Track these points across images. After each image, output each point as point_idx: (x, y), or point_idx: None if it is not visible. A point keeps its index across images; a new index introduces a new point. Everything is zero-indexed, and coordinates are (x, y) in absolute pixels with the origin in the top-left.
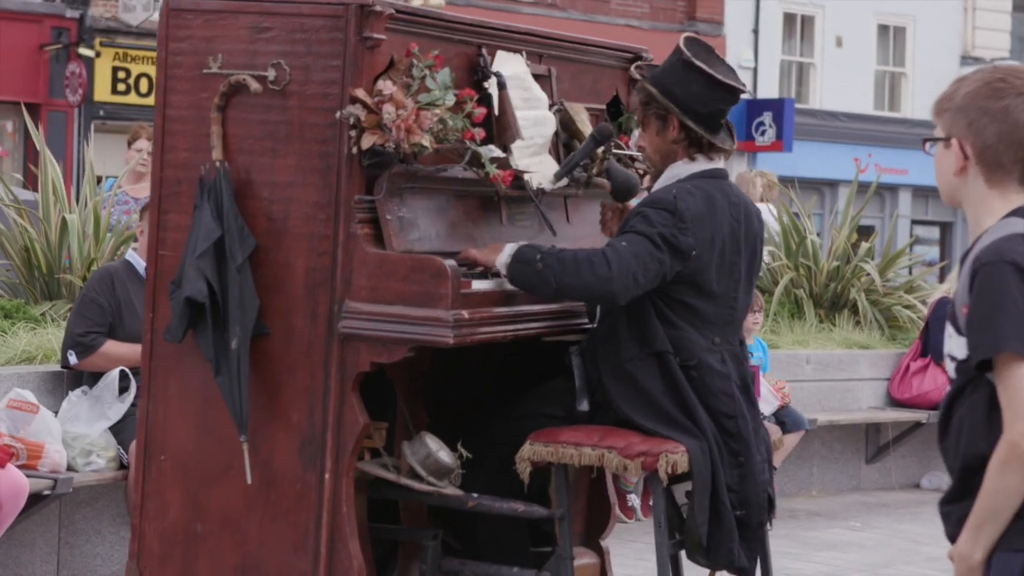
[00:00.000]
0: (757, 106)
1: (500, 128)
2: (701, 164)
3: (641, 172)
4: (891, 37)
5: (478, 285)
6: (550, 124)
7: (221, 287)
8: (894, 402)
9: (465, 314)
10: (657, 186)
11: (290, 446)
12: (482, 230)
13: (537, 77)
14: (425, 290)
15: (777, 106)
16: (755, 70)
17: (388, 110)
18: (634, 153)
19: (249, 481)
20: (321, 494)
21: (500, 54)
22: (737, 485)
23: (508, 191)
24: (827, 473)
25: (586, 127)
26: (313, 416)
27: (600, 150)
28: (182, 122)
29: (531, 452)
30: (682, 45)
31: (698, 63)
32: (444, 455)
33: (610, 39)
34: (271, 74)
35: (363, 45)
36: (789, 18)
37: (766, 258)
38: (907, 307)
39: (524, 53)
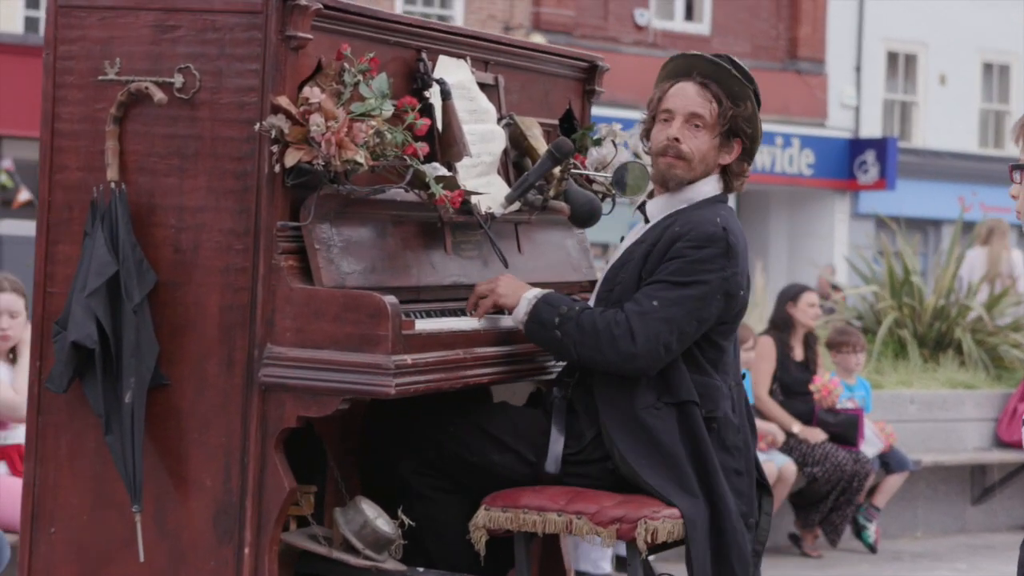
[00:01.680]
0: (860, 145)
1: (445, 144)
2: (714, 186)
3: (602, 195)
4: (995, 75)
5: (424, 325)
6: (499, 140)
7: (114, 330)
8: (1000, 443)
9: (408, 359)
10: (673, 204)
11: (203, 516)
12: (423, 261)
13: (483, 87)
14: (361, 332)
15: (880, 145)
16: (857, 108)
17: (316, 121)
18: (594, 175)
19: (142, 559)
20: (240, 572)
21: (442, 59)
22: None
23: (453, 216)
24: (932, 514)
25: (539, 143)
26: (229, 480)
27: (557, 170)
28: (73, 137)
29: (487, 519)
30: (746, 69)
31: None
32: (383, 523)
33: None
34: (178, 80)
35: (286, 46)
36: (892, 56)
37: (869, 298)
38: (1014, 346)
39: (468, 59)
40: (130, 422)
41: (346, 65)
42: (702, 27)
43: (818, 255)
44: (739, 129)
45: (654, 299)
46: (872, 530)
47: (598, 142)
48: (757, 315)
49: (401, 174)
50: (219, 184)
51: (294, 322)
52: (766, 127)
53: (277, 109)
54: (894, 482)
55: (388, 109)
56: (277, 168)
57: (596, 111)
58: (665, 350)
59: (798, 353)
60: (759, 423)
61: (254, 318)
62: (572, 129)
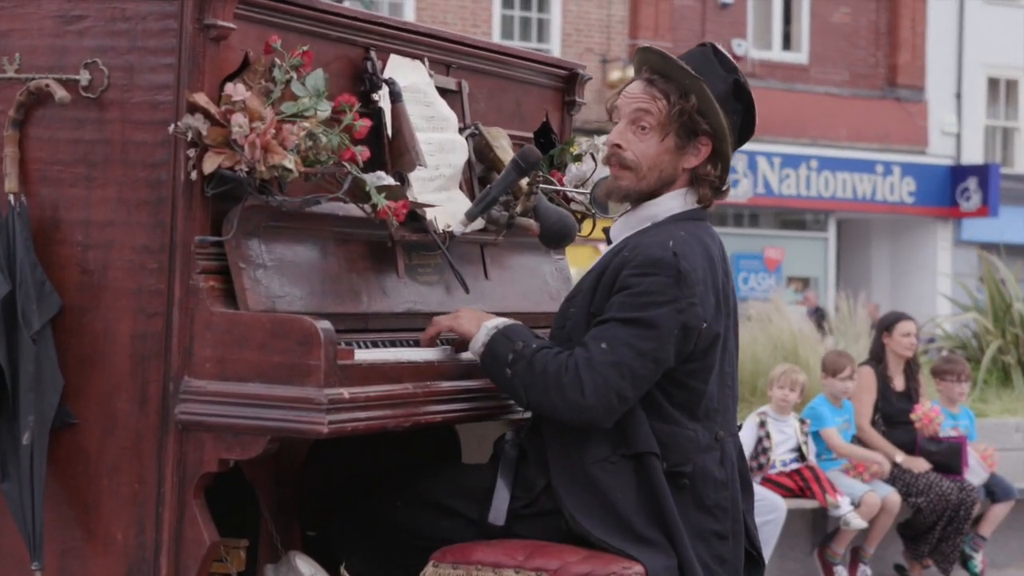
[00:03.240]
0: (961, 172)
1: (395, 152)
2: (685, 200)
3: (580, 215)
4: None
5: (365, 355)
6: (460, 151)
7: (10, 362)
8: None
9: (345, 393)
10: (629, 227)
11: (112, 574)
12: (372, 286)
13: (443, 92)
14: (289, 361)
15: (982, 171)
16: (958, 135)
17: (238, 122)
18: (572, 191)
19: None
20: None
21: (395, 59)
22: None
23: (406, 234)
24: None
25: (507, 156)
26: (143, 534)
27: (525, 182)
28: None
29: None
30: (729, 57)
31: (749, 91)
32: None
33: (810, 108)
34: (84, 78)
35: (204, 36)
36: (992, 82)
37: (971, 326)
38: None
39: (426, 61)
40: (29, 466)
41: (276, 60)
42: (800, 56)
43: (920, 283)
44: (696, 125)
45: (602, 341)
46: (979, 560)
47: (578, 158)
48: (862, 346)
49: (341, 184)
50: (131, 195)
51: (215, 351)
52: (866, 155)
53: (194, 108)
54: (1000, 511)
55: (324, 109)
56: (194, 175)
57: None
58: (618, 399)
59: (898, 383)
60: (862, 451)
61: (169, 347)
62: (550, 144)
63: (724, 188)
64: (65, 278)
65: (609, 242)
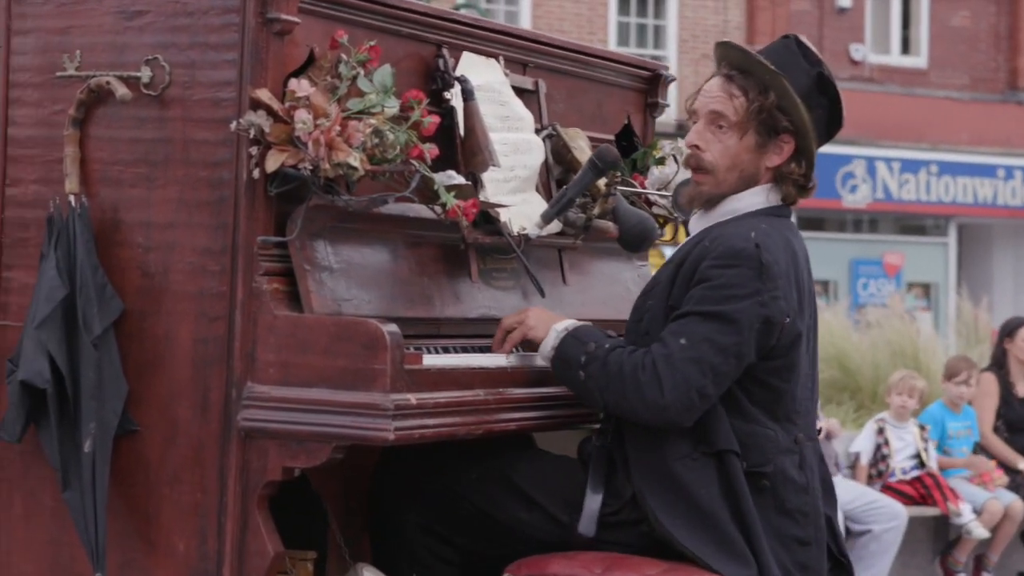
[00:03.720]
0: None
1: (467, 152)
2: (768, 196)
3: (662, 219)
4: None
5: (435, 360)
6: (537, 152)
7: (71, 368)
8: None
9: (412, 399)
10: (710, 219)
11: None
12: (444, 290)
13: (520, 92)
14: (354, 366)
15: None
16: None
17: (302, 118)
18: (654, 194)
19: None
20: None
21: (467, 56)
22: None
23: (479, 237)
24: None
25: (586, 157)
26: (205, 544)
27: (603, 183)
28: (29, 144)
29: None
30: (813, 49)
31: (835, 85)
32: None
33: (929, 113)
34: (145, 74)
35: (267, 30)
36: None
37: None
38: None
39: (502, 59)
40: (91, 475)
41: (342, 55)
42: (919, 60)
43: None
44: (777, 123)
45: (681, 336)
46: None
47: (661, 161)
48: (981, 352)
49: (409, 183)
50: (192, 195)
51: (278, 356)
52: (987, 159)
53: (257, 104)
54: None
55: (392, 106)
56: (256, 174)
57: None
58: (699, 396)
59: (1021, 388)
60: (982, 460)
61: (231, 352)
62: (632, 147)
63: (810, 186)
64: (126, 281)
65: (688, 235)
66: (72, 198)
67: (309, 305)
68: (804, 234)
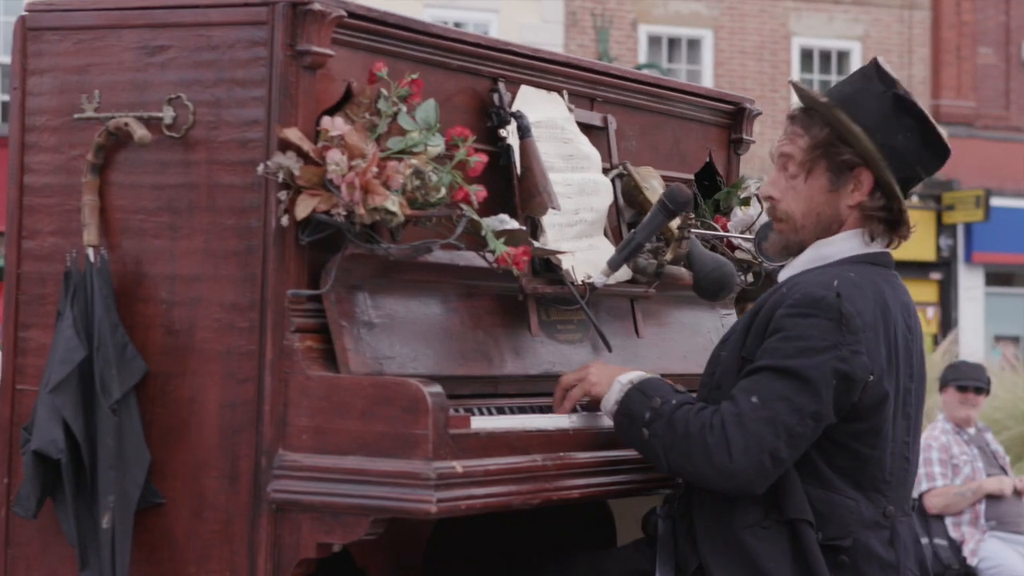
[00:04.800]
0: None
1: (524, 194)
2: (872, 246)
3: (745, 264)
4: None
5: (483, 423)
6: (604, 193)
7: (87, 436)
8: None
9: (457, 467)
10: (797, 267)
11: None
12: (502, 345)
13: (587, 129)
14: (394, 431)
15: None
16: None
17: (335, 159)
18: (736, 237)
19: None
20: None
21: (525, 90)
22: None
23: (539, 286)
24: None
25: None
26: None
27: (675, 225)
28: (46, 193)
29: None
30: (889, 71)
31: (919, 105)
32: None
33: None
34: (167, 115)
35: (298, 65)
36: None
37: None
38: None
39: (566, 94)
40: (110, 554)
41: (383, 90)
42: None
43: None
44: (840, 156)
45: (753, 394)
46: None
47: (746, 201)
48: None
49: (455, 228)
50: (218, 245)
51: (311, 421)
52: None
53: (286, 145)
54: None
55: (436, 144)
56: (285, 220)
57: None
58: (772, 460)
59: None
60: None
61: (261, 417)
62: (715, 187)
63: (903, 222)
64: (149, 340)
65: (761, 284)
66: (91, 251)
67: (346, 364)
68: (993, 289)
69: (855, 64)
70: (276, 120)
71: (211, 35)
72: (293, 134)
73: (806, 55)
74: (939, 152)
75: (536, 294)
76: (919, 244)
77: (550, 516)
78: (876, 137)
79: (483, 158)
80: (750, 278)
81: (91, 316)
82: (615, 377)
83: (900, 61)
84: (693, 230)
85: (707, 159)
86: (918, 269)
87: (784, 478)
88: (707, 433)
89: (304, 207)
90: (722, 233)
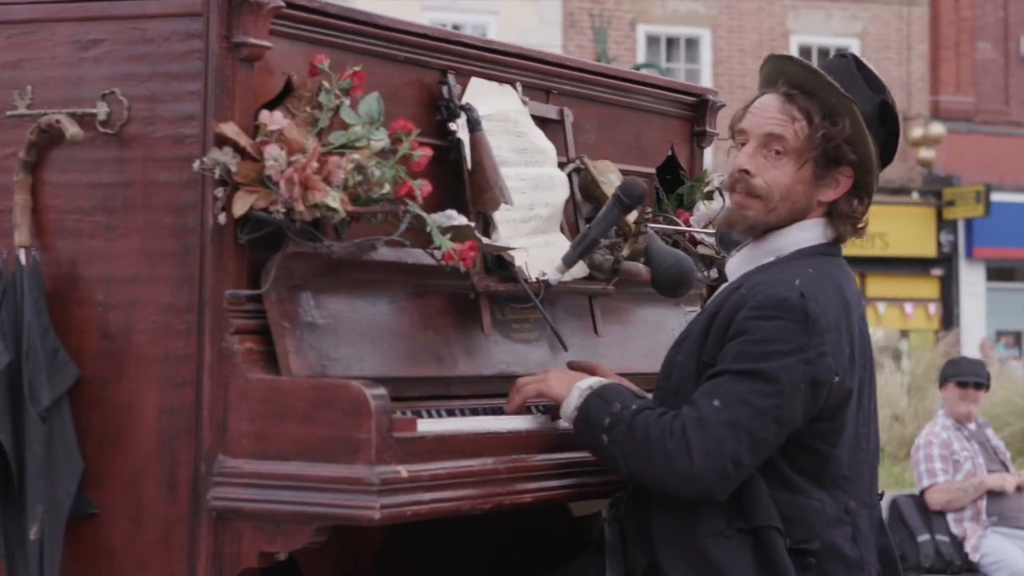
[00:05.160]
0: None
1: (475, 189)
2: (816, 233)
3: (711, 257)
4: None
5: (431, 426)
6: (560, 188)
7: (15, 444)
8: None
9: (402, 471)
10: (748, 261)
11: None
12: (453, 345)
13: (542, 122)
14: (336, 435)
15: None
16: None
17: (273, 154)
18: (699, 232)
19: None
20: None
21: (476, 82)
22: None
23: (491, 284)
24: None
25: None
26: None
27: (632, 220)
28: None
29: None
30: (875, 73)
31: (896, 116)
32: None
33: None
34: (101, 111)
35: (234, 56)
36: None
37: None
38: None
39: (519, 86)
40: (38, 567)
41: (324, 83)
42: None
43: None
44: (840, 155)
45: (715, 397)
46: None
47: (710, 196)
48: None
49: (408, 226)
50: (155, 245)
51: (252, 425)
52: None
53: (222, 140)
54: None
55: (379, 139)
56: (223, 219)
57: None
58: (734, 466)
59: None
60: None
61: (200, 422)
62: (678, 181)
63: (863, 226)
64: (84, 344)
65: (726, 279)
66: (22, 252)
67: (287, 367)
68: (994, 285)
69: None
70: (212, 115)
71: (146, 28)
72: (230, 129)
73: (804, 53)
74: (887, 162)
75: (488, 292)
76: (920, 240)
77: (509, 520)
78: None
79: (427, 152)
80: (714, 273)
81: (20, 320)
82: (574, 383)
83: (899, 57)
84: (653, 225)
85: (669, 152)
86: (919, 265)
87: (750, 484)
88: (667, 438)
89: (242, 204)
90: (684, 228)
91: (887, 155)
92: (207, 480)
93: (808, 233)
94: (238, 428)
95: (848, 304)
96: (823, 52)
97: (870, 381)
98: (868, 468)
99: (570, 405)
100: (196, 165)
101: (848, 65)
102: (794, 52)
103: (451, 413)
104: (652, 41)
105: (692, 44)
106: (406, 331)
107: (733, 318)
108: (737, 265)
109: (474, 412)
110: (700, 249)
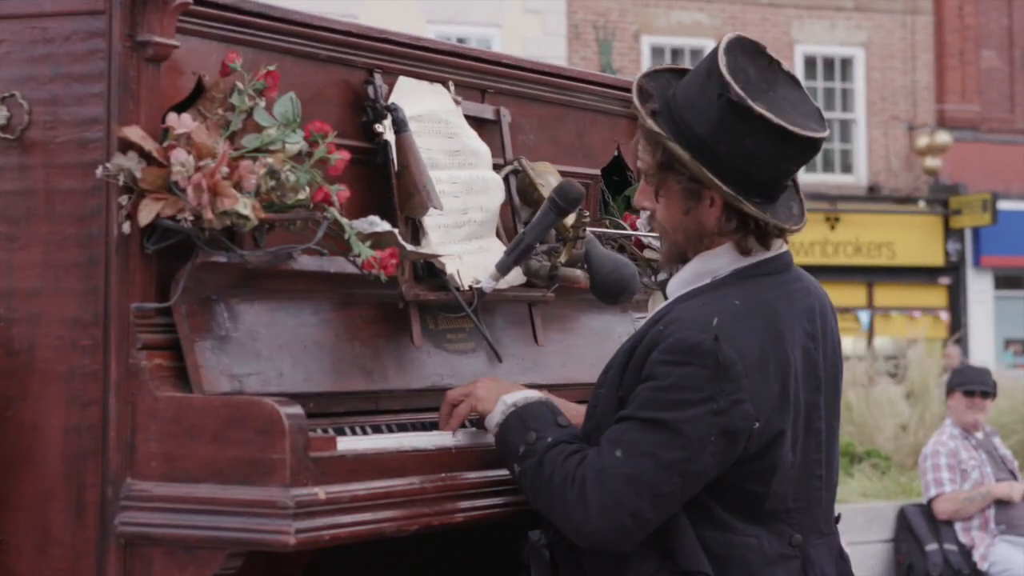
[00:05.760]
0: None
1: (403, 193)
2: (754, 256)
3: (656, 263)
4: None
5: (353, 444)
6: (495, 191)
7: None
8: None
9: (320, 493)
10: (683, 282)
11: None
12: (383, 357)
13: (477, 122)
14: (248, 456)
15: None
16: None
17: (179, 159)
18: (645, 236)
19: None
20: None
21: (404, 82)
22: None
23: (421, 293)
24: None
25: None
26: None
27: (571, 224)
28: None
29: None
30: (724, 70)
31: (757, 108)
32: None
33: None
34: (1, 115)
35: (138, 57)
36: None
37: None
38: None
39: (451, 85)
40: None
41: (237, 84)
42: None
43: None
44: (678, 178)
45: (618, 447)
46: None
47: None
48: None
49: (328, 232)
50: (59, 256)
51: (161, 446)
52: None
53: (127, 145)
54: None
55: (295, 141)
56: (127, 227)
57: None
58: (634, 521)
59: None
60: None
61: (107, 443)
62: (625, 182)
63: (771, 230)
64: None
65: (666, 298)
66: None
67: (199, 383)
68: (1002, 293)
69: (859, 71)
70: (116, 118)
71: (46, 27)
72: (134, 133)
73: (809, 62)
74: (802, 144)
75: (418, 301)
76: (927, 249)
77: (450, 537)
78: (718, 148)
79: (345, 155)
80: (663, 276)
81: None
82: (501, 395)
83: (904, 67)
84: (596, 229)
85: (615, 153)
86: (926, 274)
87: (673, 525)
88: (567, 487)
89: (147, 212)
90: (629, 232)
91: (786, 142)
92: (115, 504)
93: (719, 259)
94: (147, 449)
95: (781, 337)
96: (827, 61)
97: (829, 399)
98: (826, 493)
99: (493, 420)
100: (99, 171)
101: (711, 67)
102: (799, 62)
103: (378, 429)
104: (657, 52)
105: (697, 55)
106: (330, 343)
107: (647, 357)
108: (676, 286)
109: (403, 428)
110: (647, 253)
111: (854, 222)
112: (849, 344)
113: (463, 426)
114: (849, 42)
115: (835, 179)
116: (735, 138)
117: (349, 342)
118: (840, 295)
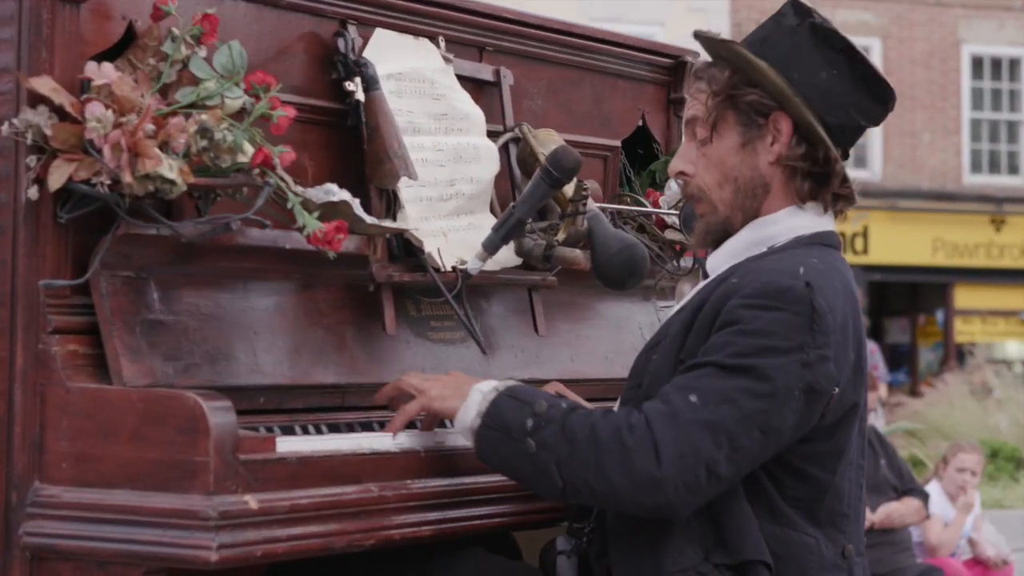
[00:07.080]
0: None
1: (371, 159)
2: (813, 218)
3: (677, 246)
4: None
5: (297, 446)
6: (488, 161)
7: None
8: None
9: (251, 502)
10: (735, 252)
11: None
12: (350, 348)
13: (473, 83)
14: (168, 458)
15: None
16: None
17: (96, 114)
18: (665, 213)
19: None
20: None
21: (381, 35)
22: None
23: (395, 273)
24: None
25: None
26: None
27: (568, 197)
28: None
29: None
30: (804, 1)
31: (843, 36)
32: None
33: None
34: None
35: None
36: None
37: None
38: None
39: (442, 41)
40: None
41: (172, 29)
42: None
43: None
44: (747, 99)
45: (691, 392)
46: None
47: None
48: None
49: (275, 201)
50: None
51: (73, 446)
52: None
53: (37, 99)
54: None
55: (236, 96)
56: (34, 193)
57: None
58: (708, 475)
59: None
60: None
61: (12, 440)
62: (651, 155)
63: (834, 174)
64: None
65: (705, 276)
66: None
67: (119, 373)
68: None
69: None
70: (26, 68)
71: None
72: (43, 84)
73: (976, 63)
74: (878, 94)
75: (392, 283)
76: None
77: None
78: (791, 75)
79: (290, 112)
80: (685, 262)
81: None
82: (471, 386)
83: None
84: (612, 206)
85: (639, 122)
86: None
87: (736, 510)
88: (625, 435)
89: (59, 175)
90: (653, 210)
91: (863, 84)
92: (19, 511)
93: (799, 219)
94: (56, 448)
95: (856, 304)
96: (995, 62)
97: (866, 403)
98: (863, 508)
99: (470, 412)
100: (4, 128)
101: (782, 8)
102: (965, 62)
103: (337, 429)
104: None
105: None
106: (287, 330)
107: (721, 308)
108: (722, 259)
109: (369, 428)
110: (668, 234)
111: (1020, 224)
112: (1015, 348)
113: (442, 426)
114: (1018, 42)
115: (1001, 180)
116: (811, 67)
117: (310, 328)
118: (1005, 298)
